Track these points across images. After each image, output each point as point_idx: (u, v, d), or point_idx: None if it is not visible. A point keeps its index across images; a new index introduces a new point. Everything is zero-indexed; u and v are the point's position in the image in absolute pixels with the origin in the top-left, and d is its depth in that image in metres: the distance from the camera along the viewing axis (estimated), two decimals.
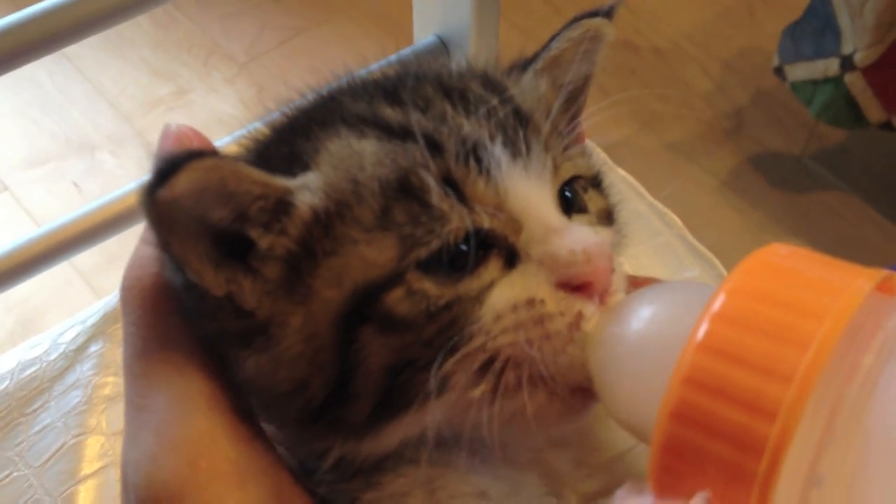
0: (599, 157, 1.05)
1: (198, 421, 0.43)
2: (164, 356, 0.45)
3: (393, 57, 1.14)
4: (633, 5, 2.07)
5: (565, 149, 0.46)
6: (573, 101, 0.51)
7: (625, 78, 1.92)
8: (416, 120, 0.43)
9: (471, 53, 1.10)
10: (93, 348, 0.87)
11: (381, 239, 0.41)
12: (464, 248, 0.42)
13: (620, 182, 1.03)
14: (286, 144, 0.46)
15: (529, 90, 0.49)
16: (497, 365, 0.41)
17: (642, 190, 1.03)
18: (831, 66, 1.55)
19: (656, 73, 1.96)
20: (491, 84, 0.47)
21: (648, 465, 0.34)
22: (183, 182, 0.39)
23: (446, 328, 0.41)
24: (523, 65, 0.51)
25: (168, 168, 0.39)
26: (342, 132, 0.44)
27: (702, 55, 1.99)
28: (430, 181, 0.41)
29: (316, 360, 0.42)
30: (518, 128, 0.44)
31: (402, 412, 0.42)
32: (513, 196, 0.42)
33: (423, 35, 1.13)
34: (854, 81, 1.54)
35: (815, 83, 1.60)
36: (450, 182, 0.42)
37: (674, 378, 0.33)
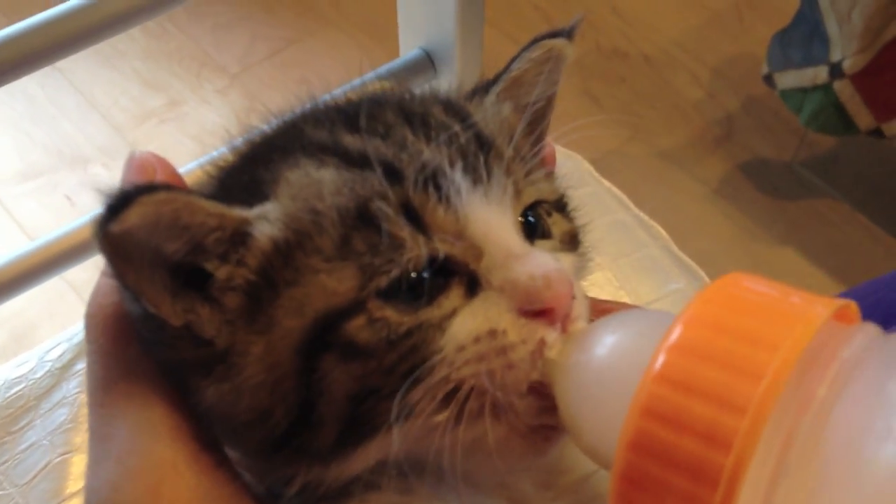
0: (584, 167, 1.05)
1: (160, 449, 0.43)
2: (126, 385, 0.45)
3: (381, 70, 1.15)
4: (622, 12, 2.07)
5: (528, 173, 0.46)
6: (536, 124, 0.50)
7: (614, 85, 1.92)
8: (375, 147, 0.43)
9: (456, 66, 1.10)
10: (79, 366, 0.87)
11: (342, 268, 0.41)
12: (425, 275, 0.42)
13: (605, 194, 1.03)
14: (246, 173, 0.46)
15: (492, 114, 0.49)
16: (461, 394, 0.41)
17: (627, 202, 1.04)
18: (820, 73, 1.56)
19: (646, 81, 1.96)
20: (453, 109, 0.47)
21: (609, 495, 0.35)
22: (134, 216, 0.39)
23: (407, 355, 0.41)
24: (485, 87, 0.51)
25: (119, 202, 0.39)
26: (301, 161, 0.44)
27: (691, 62, 1.99)
28: (388, 210, 0.41)
29: (278, 389, 0.42)
30: (479, 153, 0.44)
31: (367, 439, 0.42)
32: (473, 223, 0.42)
33: (409, 48, 1.14)
34: (843, 89, 1.55)
35: (804, 91, 1.60)
36: (409, 210, 0.42)
37: (632, 408, 0.33)
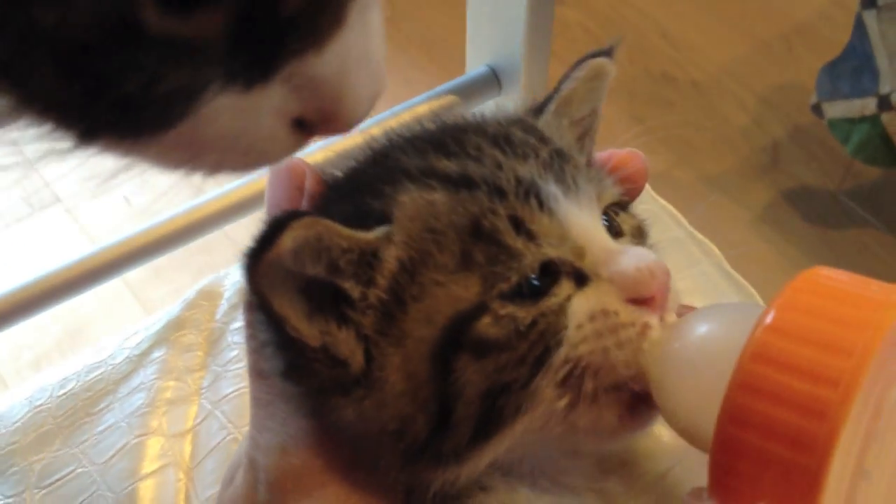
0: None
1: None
2: None
3: (445, 86, 1.18)
4: (671, 38, 2.10)
5: (600, 180, 0.51)
6: (587, 136, 0.56)
7: (662, 110, 1.95)
8: (474, 169, 0.47)
9: (522, 84, 1.14)
10: (156, 354, 0.91)
11: (466, 278, 0.45)
12: (535, 279, 0.45)
13: (661, 211, 1.06)
14: (349, 202, 0.49)
15: (555, 129, 0.53)
16: (577, 372, 0.45)
17: (681, 219, 1.07)
18: (868, 105, 1.58)
19: (693, 106, 1.99)
20: (529, 128, 0.51)
21: (708, 469, 0.38)
22: (287, 241, 0.43)
23: (537, 342, 0.44)
24: (539, 107, 0.55)
25: (272, 231, 0.43)
26: (408, 186, 0.47)
27: (739, 89, 2.02)
28: (501, 224, 0.45)
29: (419, 396, 0.45)
30: (563, 165, 0.48)
31: (498, 434, 0.45)
32: (573, 227, 0.46)
33: (475, 65, 1.17)
34: (891, 121, 1.56)
35: (851, 122, 1.62)
36: (516, 221, 0.46)
37: (730, 385, 0.37)
